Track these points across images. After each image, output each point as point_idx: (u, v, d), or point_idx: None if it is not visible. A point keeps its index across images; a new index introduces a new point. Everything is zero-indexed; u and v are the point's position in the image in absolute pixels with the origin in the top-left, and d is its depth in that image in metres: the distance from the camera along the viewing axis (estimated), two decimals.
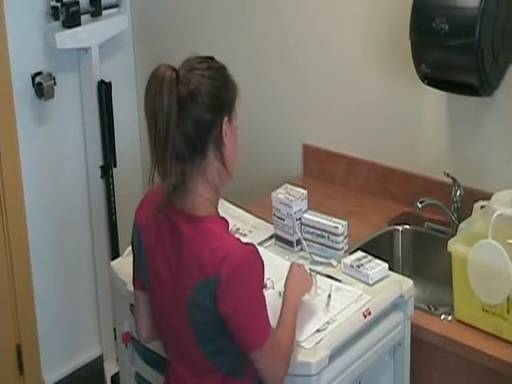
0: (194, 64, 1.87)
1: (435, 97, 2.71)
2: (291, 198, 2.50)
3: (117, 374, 3.37)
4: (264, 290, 1.92)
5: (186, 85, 1.82)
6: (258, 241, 2.48)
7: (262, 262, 1.87)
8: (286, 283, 2.08)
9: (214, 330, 1.87)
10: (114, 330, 2.93)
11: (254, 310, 1.85)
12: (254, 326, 1.85)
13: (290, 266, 2.15)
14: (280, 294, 2.13)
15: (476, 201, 2.43)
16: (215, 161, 1.89)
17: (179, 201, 1.89)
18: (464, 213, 2.58)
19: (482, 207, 2.37)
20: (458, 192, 2.65)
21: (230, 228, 1.94)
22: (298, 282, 2.09)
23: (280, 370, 1.90)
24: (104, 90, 3.37)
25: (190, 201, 1.89)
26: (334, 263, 2.38)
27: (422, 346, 2.33)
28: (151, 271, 1.97)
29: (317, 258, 2.42)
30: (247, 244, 1.88)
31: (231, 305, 1.82)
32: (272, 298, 2.12)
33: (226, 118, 1.88)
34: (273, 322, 1.92)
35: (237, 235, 2.47)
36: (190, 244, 1.86)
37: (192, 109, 1.82)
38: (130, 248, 2.46)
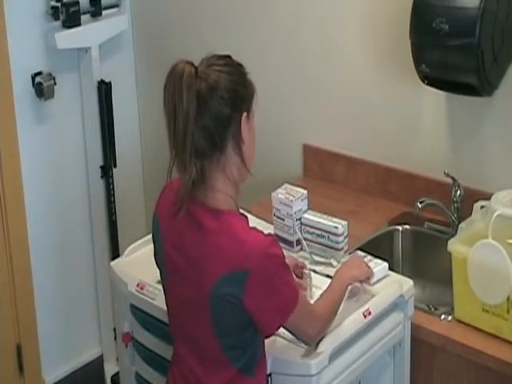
0: (213, 61, 1.89)
1: (435, 97, 2.71)
2: (291, 198, 2.50)
3: (117, 374, 3.38)
4: None
5: (205, 80, 1.84)
6: None
7: (281, 248, 1.90)
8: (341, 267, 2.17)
9: (236, 324, 1.88)
10: (114, 330, 2.93)
11: (281, 293, 1.87)
12: (281, 302, 1.88)
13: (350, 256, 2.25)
14: None
15: (476, 201, 2.43)
16: (234, 156, 1.90)
17: (200, 195, 1.91)
18: (464, 213, 2.58)
19: (482, 207, 2.37)
20: (458, 192, 2.65)
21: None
22: (353, 267, 2.18)
23: (313, 329, 1.97)
24: (104, 89, 3.37)
25: (210, 195, 1.90)
26: (334, 263, 2.39)
27: (422, 346, 2.33)
28: (169, 262, 1.98)
29: (317, 258, 2.42)
30: (268, 235, 1.90)
31: (258, 297, 1.84)
32: None
33: (244, 114, 1.90)
34: None
35: None
36: (214, 238, 1.87)
37: (211, 104, 1.83)
38: (130, 248, 2.48)
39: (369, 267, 2.24)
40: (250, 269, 1.82)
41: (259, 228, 1.90)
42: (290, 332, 1.96)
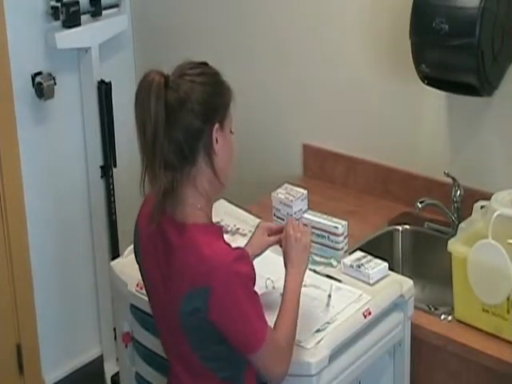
0: (186, 70, 1.84)
1: (435, 97, 2.71)
2: (291, 198, 2.50)
3: (117, 374, 3.38)
4: (260, 290, 1.90)
5: (176, 91, 1.79)
6: None
7: (251, 263, 1.85)
8: (285, 259, 2.01)
9: (209, 338, 1.85)
10: (114, 330, 2.93)
11: (247, 315, 1.82)
12: (249, 331, 1.82)
13: (287, 224, 2.08)
14: (281, 294, 2.14)
15: (476, 201, 2.44)
16: (206, 169, 1.85)
17: (170, 207, 1.87)
18: (464, 213, 2.58)
19: (482, 207, 2.37)
20: (458, 192, 2.65)
21: (223, 233, 1.91)
22: (298, 260, 2.00)
23: (280, 367, 1.88)
24: (104, 89, 3.37)
25: (180, 209, 1.86)
26: (334, 263, 2.39)
27: (422, 346, 2.33)
28: (147, 275, 1.98)
29: (317, 258, 2.42)
30: (235, 249, 1.84)
31: (223, 314, 1.80)
32: (273, 298, 2.12)
33: (216, 125, 1.84)
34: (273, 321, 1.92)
35: (237, 235, 2.48)
36: (179, 253, 1.84)
37: (180, 116, 1.79)
38: (130, 248, 2.47)
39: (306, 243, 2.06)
40: (212, 286, 1.77)
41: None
42: (258, 370, 1.90)
